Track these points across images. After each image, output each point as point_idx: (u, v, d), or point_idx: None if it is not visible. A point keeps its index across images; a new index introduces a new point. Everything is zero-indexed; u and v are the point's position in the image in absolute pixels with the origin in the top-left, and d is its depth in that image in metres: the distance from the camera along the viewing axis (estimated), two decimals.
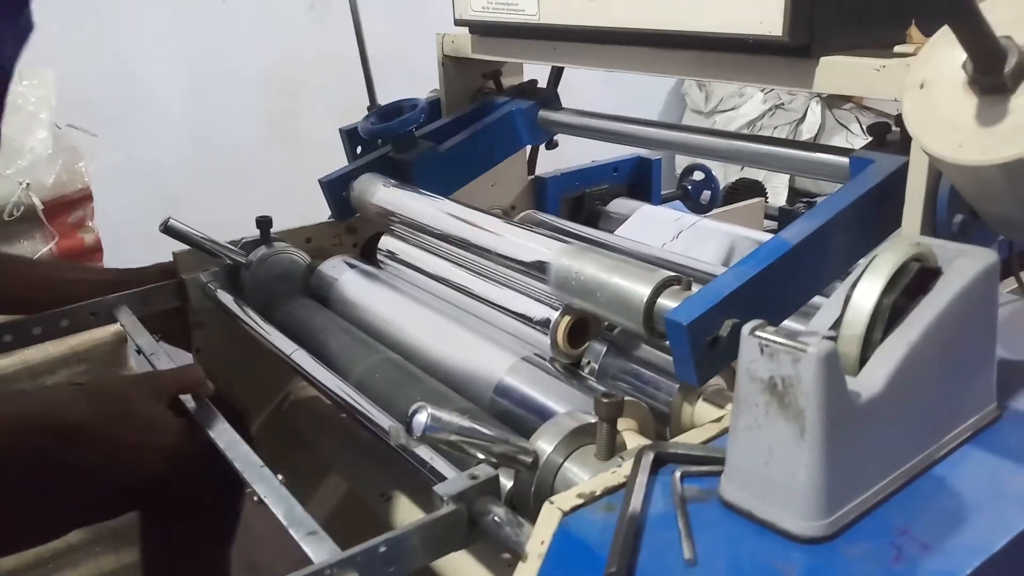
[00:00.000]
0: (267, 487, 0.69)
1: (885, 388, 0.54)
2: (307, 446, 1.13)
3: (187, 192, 2.08)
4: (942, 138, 0.60)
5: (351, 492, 1.08)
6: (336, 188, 1.18)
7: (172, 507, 1.10)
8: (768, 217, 1.63)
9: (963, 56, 0.58)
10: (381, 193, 1.14)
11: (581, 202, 1.44)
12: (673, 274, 0.77)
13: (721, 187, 1.60)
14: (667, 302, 0.74)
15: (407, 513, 0.92)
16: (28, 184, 1.26)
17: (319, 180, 1.19)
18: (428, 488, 0.66)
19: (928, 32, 0.68)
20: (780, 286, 0.74)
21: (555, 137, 1.32)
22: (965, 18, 0.55)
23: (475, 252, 0.98)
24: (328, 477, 1.14)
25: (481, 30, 1.18)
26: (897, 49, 0.83)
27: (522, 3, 1.05)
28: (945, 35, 0.62)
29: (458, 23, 1.18)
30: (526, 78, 1.32)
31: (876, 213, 0.80)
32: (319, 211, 1.27)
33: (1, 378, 1.37)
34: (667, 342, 0.71)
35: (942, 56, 0.62)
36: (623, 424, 0.73)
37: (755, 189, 1.73)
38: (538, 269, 0.88)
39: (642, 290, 0.76)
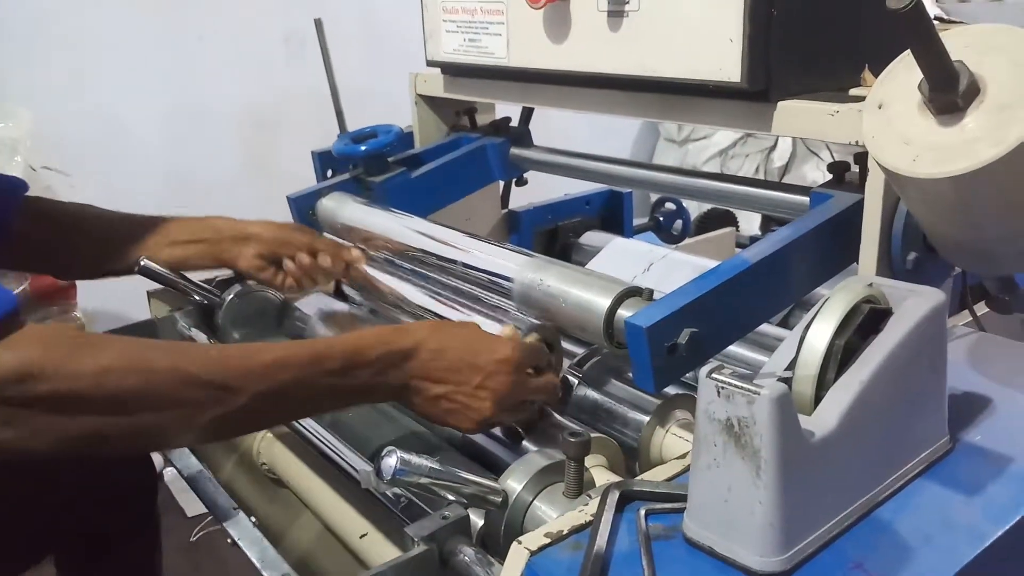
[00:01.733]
0: (240, 529, 0.70)
1: (838, 426, 0.56)
2: (282, 485, 1.13)
3: None
4: (898, 153, 0.63)
5: (326, 531, 1.09)
6: (303, 205, 1.20)
7: (84, 545, 1.11)
8: (739, 246, 1.66)
9: (918, 79, 0.62)
10: (350, 210, 1.15)
11: (554, 235, 1.46)
12: (634, 286, 0.79)
13: (692, 217, 1.63)
14: (628, 312, 0.76)
15: (383, 551, 0.92)
16: None
17: (287, 196, 1.20)
18: (402, 527, 0.67)
19: (880, 74, 0.72)
20: (738, 301, 0.76)
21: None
22: (926, 42, 0.59)
23: (442, 267, 1.00)
24: (303, 516, 1.14)
25: (453, 71, 1.20)
26: (852, 92, 0.86)
27: (492, 46, 1.08)
28: (902, 61, 0.66)
29: (430, 64, 1.21)
30: (498, 115, 1.34)
31: (832, 243, 0.83)
32: None
33: None
34: (627, 351, 0.72)
35: (899, 80, 0.66)
36: (592, 460, 0.74)
37: (726, 219, 1.76)
38: (503, 282, 0.90)
39: (603, 300, 0.78)
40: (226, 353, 0.70)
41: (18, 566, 1.06)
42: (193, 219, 1.09)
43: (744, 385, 0.52)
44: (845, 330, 0.59)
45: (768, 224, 3.00)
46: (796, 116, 0.83)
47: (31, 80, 1.83)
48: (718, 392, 0.53)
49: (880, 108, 0.66)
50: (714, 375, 0.54)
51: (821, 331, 0.59)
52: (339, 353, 0.72)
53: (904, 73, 0.66)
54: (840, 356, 0.58)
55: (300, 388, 0.70)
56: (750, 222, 2.85)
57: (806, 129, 0.83)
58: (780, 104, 0.84)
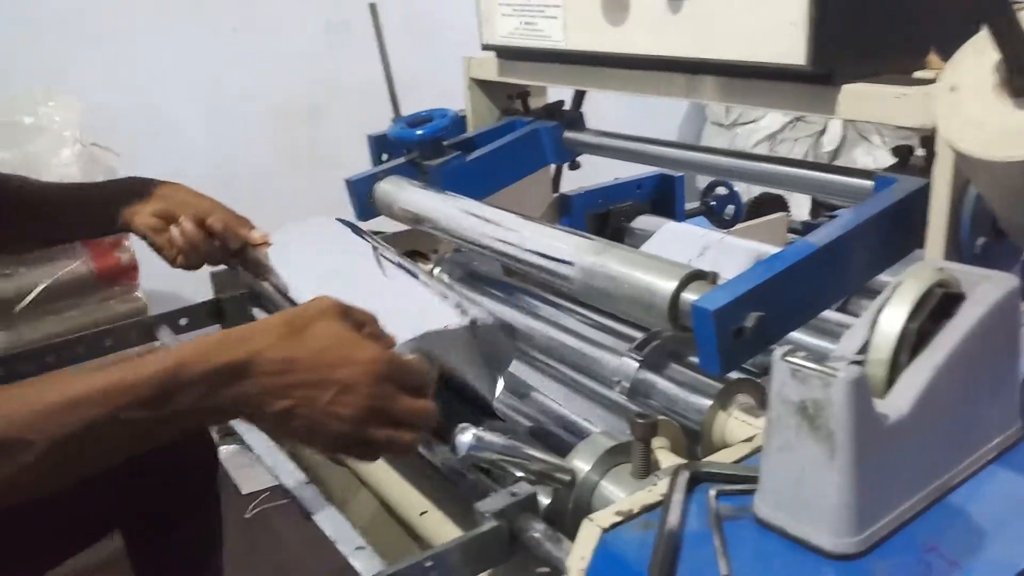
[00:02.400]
0: (314, 503, 0.72)
1: (912, 410, 0.56)
2: (338, 463, 1.16)
3: None
4: (971, 136, 0.63)
5: (382, 508, 1.11)
6: (362, 188, 1.21)
7: (148, 521, 1.13)
8: (791, 231, 1.64)
9: (992, 62, 0.62)
10: (407, 194, 1.16)
11: (606, 219, 1.46)
12: (699, 269, 0.79)
13: (744, 201, 1.62)
14: (693, 295, 0.75)
15: (444, 530, 0.94)
16: None
17: (345, 180, 1.21)
18: (463, 504, 0.68)
19: (947, 57, 0.71)
20: (803, 285, 0.76)
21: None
22: (1006, 24, 0.58)
23: (498, 250, 1.01)
24: (360, 493, 1.16)
25: (507, 54, 1.21)
26: (917, 75, 0.85)
27: (548, 29, 1.09)
28: (975, 43, 0.66)
29: (485, 48, 1.22)
30: (551, 99, 1.35)
31: (897, 229, 0.82)
32: None
33: None
34: (691, 334, 0.72)
35: (972, 62, 0.65)
36: (656, 443, 0.75)
37: (778, 203, 1.74)
38: (562, 265, 0.90)
39: (669, 283, 0.78)
40: (7, 396, 0.57)
41: (85, 540, 1.10)
42: (111, 181, 1.06)
43: (820, 368, 0.52)
44: (918, 314, 0.59)
45: (818, 209, 2.96)
46: (861, 99, 0.82)
47: (79, 73, 1.87)
48: (792, 374, 0.54)
49: (952, 91, 0.66)
50: (788, 357, 0.54)
51: (895, 315, 0.58)
52: (152, 378, 0.59)
53: (977, 55, 0.65)
54: (914, 340, 0.58)
55: (109, 426, 0.58)
56: (799, 208, 2.82)
57: (871, 112, 0.82)
58: (844, 87, 0.83)
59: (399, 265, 0.96)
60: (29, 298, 1.31)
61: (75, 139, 1.38)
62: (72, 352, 1.08)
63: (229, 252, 1.03)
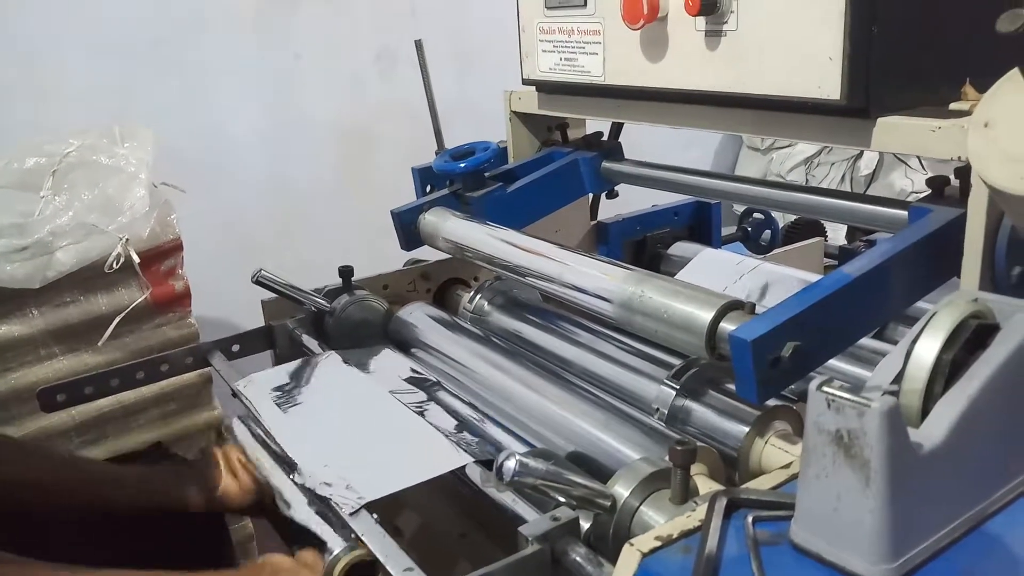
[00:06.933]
0: (364, 525, 0.75)
1: (946, 439, 0.57)
2: None
3: (266, 238, 2.20)
4: (1005, 172, 0.64)
5: (421, 529, 1.13)
6: (407, 219, 1.25)
7: None
8: (828, 256, 1.65)
9: None
10: (450, 224, 1.20)
11: (643, 246, 1.48)
12: (736, 299, 0.81)
13: (780, 227, 1.63)
14: (731, 325, 0.78)
15: (483, 552, 0.96)
16: (127, 239, 1.36)
17: (391, 211, 1.26)
18: (503, 527, 0.70)
19: (982, 88, 0.73)
20: (839, 315, 0.77)
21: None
22: None
23: (539, 279, 1.03)
24: (400, 514, 1.19)
25: (548, 88, 1.24)
26: (952, 107, 0.87)
27: (588, 65, 1.12)
28: (1010, 80, 0.67)
29: (526, 82, 1.25)
30: (589, 130, 1.38)
31: (932, 258, 0.84)
32: (387, 253, 1.36)
33: (99, 417, 1.47)
34: (729, 363, 0.74)
35: (1006, 98, 0.67)
36: (694, 469, 0.77)
37: (815, 228, 1.75)
38: (602, 295, 0.92)
39: (706, 312, 0.80)
40: None
41: None
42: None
43: (855, 398, 0.54)
44: (952, 345, 0.60)
45: (854, 234, 2.93)
46: (896, 132, 0.84)
47: (148, 101, 1.96)
48: (828, 404, 0.55)
49: (986, 126, 0.67)
50: (824, 388, 0.56)
51: (928, 345, 0.60)
52: None
53: (1012, 91, 0.67)
54: (947, 370, 0.60)
55: None
56: (835, 232, 2.81)
57: (906, 145, 0.84)
58: (880, 120, 0.85)
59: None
60: (108, 332, 1.37)
61: (148, 179, 1.44)
62: (132, 377, 1.13)
63: None
